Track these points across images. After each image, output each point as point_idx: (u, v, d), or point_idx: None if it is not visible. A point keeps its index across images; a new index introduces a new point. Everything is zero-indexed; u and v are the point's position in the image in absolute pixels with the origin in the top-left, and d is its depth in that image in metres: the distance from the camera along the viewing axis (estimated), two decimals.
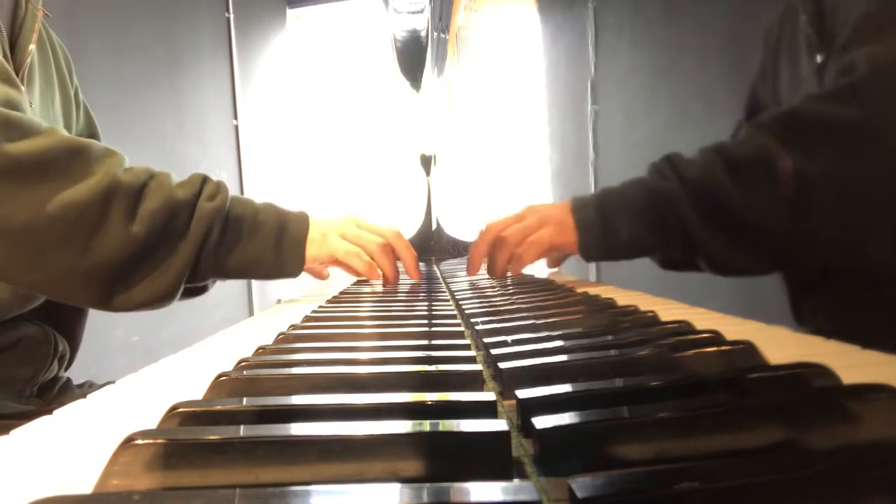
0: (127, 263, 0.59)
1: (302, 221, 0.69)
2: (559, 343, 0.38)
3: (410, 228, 1.42)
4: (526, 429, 0.26)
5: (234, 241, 0.65)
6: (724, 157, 0.65)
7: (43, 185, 0.56)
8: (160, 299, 0.62)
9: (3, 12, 0.71)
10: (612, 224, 0.68)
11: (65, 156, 0.58)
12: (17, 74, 0.72)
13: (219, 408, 0.26)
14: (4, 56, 0.69)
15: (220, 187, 0.65)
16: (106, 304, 0.61)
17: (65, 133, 0.61)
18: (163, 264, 0.61)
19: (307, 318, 0.56)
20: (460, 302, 0.63)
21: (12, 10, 0.73)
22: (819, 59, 0.75)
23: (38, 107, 0.76)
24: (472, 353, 0.37)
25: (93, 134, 0.91)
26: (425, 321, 0.51)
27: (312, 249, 0.68)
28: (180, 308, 0.72)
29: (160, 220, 0.60)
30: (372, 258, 0.74)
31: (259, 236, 0.66)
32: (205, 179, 0.65)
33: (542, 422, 0.22)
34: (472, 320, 0.49)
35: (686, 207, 0.65)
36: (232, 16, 2.25)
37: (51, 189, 0.56)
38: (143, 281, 0.61)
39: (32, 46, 0.74)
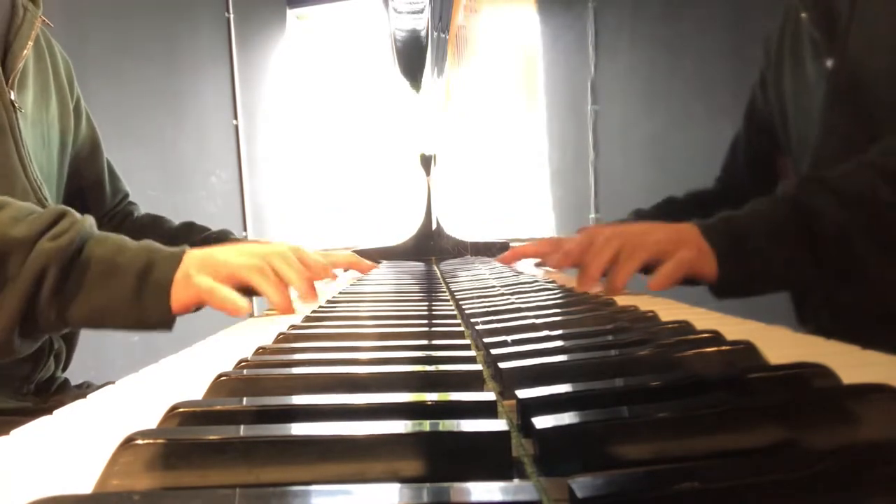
0: None
1: (171, 262, 0.58)
2: (559, 343, 0.38)
3: (410, 228, 1.42)
4: (526, 429, 0.26)
5: (77, 285, 0.55)
6: (885, 174, 0.57)
7: None
8: None
9: None
10: (756, 253, 0.58)
11: None
12: (8, 79, 0.72)
13: (219, 408, 0.26)
14: None
15: (73, 225, 0.56)
16: None
17: None
18: None
19: (307, 318, 0.56)
20: (460, 302, 0.63)
21: (8, 17, 0.74)
22: (829, 63, 0.74)
23: (30, 112, 0.77)
24: (472, 353, 0.37)
25: (95, 143, 0.92)
26: (425, 321, 0.51)
27: (177, 294, 0.57)
28: None
29: None
30: (248, 284, 0.61)
31: (114, 281, 0.56)
32: (61, 215, 0.56)
33: (542, 422, 0.22)
34: (472, 320, 0.49)
35: (854, 233, 0.56)
36: (232, 16, 2.25)
37: None
38: None
39: (27, 53, 0.74)
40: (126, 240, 0.59)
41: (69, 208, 0.58)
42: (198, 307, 0.60)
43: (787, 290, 0.62)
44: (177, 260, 0.58)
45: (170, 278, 0.57)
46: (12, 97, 0.72)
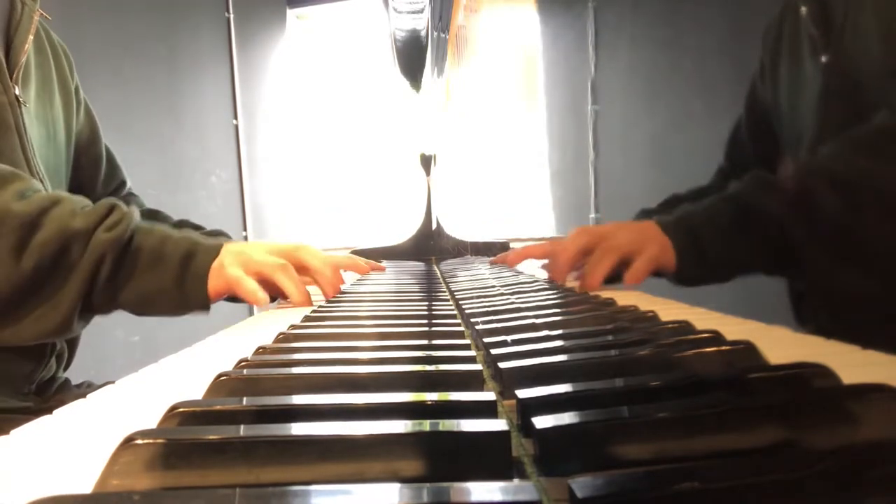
0: (12, 298, 0.57)
1: (210, 252, 0.64)
2: (559, 343, 0.38)
3: (410, 228, 1.42)
4: (526, 429, 0.26)
5: (130, 273, 0.62)
6: (824, 174, 0.62)
7: None
8: (52, 334, 0.60)
9: None
10: (708, 246, 0.65)
11: None
12: (12, 75, 0.72)
13: (219, 408, 0.26)
14: None
15: (124, 217, 0.62)
16: None
17: None
18: (52, 298, 0.59)
19: (307, 318, 0.56)
20: (460, 302, 0.63)
21: (7, 12, 0.74)
22: (824, 58, 0.75)
23: (34, 107, 0.77)
24: (472, 353, 0.37)
25: (93, 131, 0.92)
26: (425, 321, 0.51)
27: (212, 282, 0.64)
28: None
29: (51, 251, 0.57)
30: (272, 280, 0.68)
31: (160, 268, 0.62)
32: (111, 208, 0.62)
33: (542, 422, 0.22)
34: (472, 320, 0.49)
35: (792, 227, 0.62)
36: (232, 16, 2.25)
37: None
38: (31, 315, 0.58)
39: (28, 47, 0.74)
40: (169, 230, 0.65)
41: (117, 201, 0.63)
42: (230, 296, 0.67)
43: (739, 278, 0.68)
44: (215, 252, 0.65)
45: (207, 267, 0.64)
46: (17, 93, 0.73)
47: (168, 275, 0.62)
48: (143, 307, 0.64)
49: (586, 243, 0.70)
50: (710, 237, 0.65)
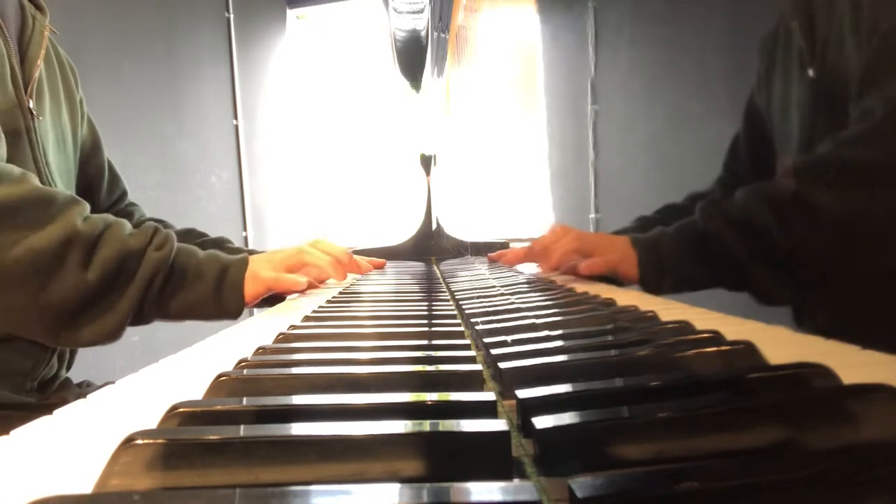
0: (78, 305, 0.64)
1: (240, 266, 0.74)
2: (559, 343, 0.38)
3: (410, 228, 1.42)
4: (526, 429, 0.26)
5: (177, 286, 0.71)
6: (765, 199, 0.71)
7: (9, 230, 0.61)
8: (105, 338, 0.67)
9: (11, 30, 0.74)
10: (668, 264, 0.75)
11: (33, 204, 0.63)
12: (27, 89, 0.75)
13: (219, 408, 0.26)
14: (12, 72, 0.72)
15: (167, 238, 0.71)
16: (54, 339, 0.66)
17: (35, 181, 0.65)
18: (110, 308, 0.67)
19: (307, 318, 0.56)
20: (460, 302, 0.63)
21: (20, 28, 0.76)
22: (811, 73, 0.77)
23: (47, 119, 0.79)
24: (472, 353, 0.37)
25: (96, 141, 0.93)
26: (425, 321, 0.51)
27: (249, 288, 0.74)
28: None
29: (113, 266, 0.65)
30: (302, 266, 0.79)
31: (201, 283, 0.72)
32: (156, 230, 0.71)
33: (542, 422, 0.22)
34: (472, 320, 0.49)
35: (735, 246, 0.71)
36: (232, 16, 2.25)
37: (16, 234, 0.61)
38: (91, 322, 0.66)
39: (40, 61, 0.77)
40: (197, 249, 0.74)
41: (158, 224, 0.73)
42: (266, 298, 0.77)
43: (695, 290, 0.77)
44: (245, 264, 0.74)
45: (241, 277, 0.73)
46: (31, 105, 0.75)
47: (208, 287, 0.72)
48: (184, 315, 0.73)
49: (558, 234, 0.81)
50: (670, 253, 0.75)
